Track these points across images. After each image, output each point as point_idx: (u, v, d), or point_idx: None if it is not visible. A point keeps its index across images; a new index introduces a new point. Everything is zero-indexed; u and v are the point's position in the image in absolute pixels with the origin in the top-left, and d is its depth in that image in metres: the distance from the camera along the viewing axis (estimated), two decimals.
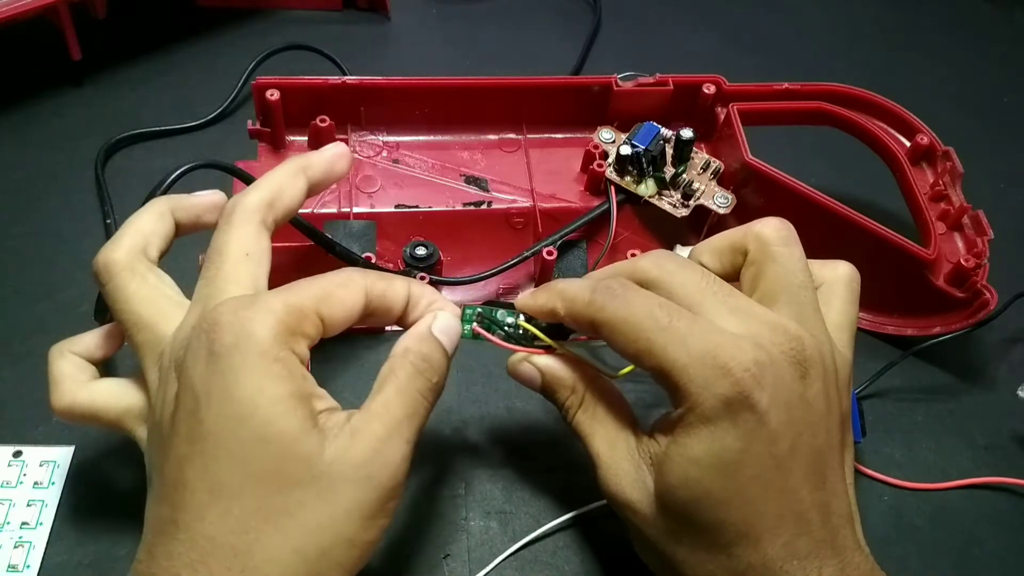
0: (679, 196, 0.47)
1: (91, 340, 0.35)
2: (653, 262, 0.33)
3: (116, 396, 0.33)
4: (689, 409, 0.30)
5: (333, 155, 0.36)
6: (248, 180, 0.38)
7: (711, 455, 0.29)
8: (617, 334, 0.31)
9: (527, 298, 0.35)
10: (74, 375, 0.34)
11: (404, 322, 0.34)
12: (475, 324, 0.35)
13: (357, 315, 0.31)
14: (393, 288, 0.33)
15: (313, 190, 0.35)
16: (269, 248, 0.33)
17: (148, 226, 0.34)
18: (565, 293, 0.33)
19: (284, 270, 0.35)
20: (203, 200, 0.35)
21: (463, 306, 0.35)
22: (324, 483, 0.28)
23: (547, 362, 0.35)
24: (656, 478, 0.31)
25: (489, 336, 0.35)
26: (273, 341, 0.28)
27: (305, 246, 0.43)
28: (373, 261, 0.43)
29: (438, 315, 0.33)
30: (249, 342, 0.28)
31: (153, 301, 0.32)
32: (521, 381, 0.36)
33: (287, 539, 0.27)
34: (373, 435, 0.29)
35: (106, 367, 0.36)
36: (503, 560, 0.38)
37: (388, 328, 0.46)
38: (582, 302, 0.32)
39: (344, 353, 0.44)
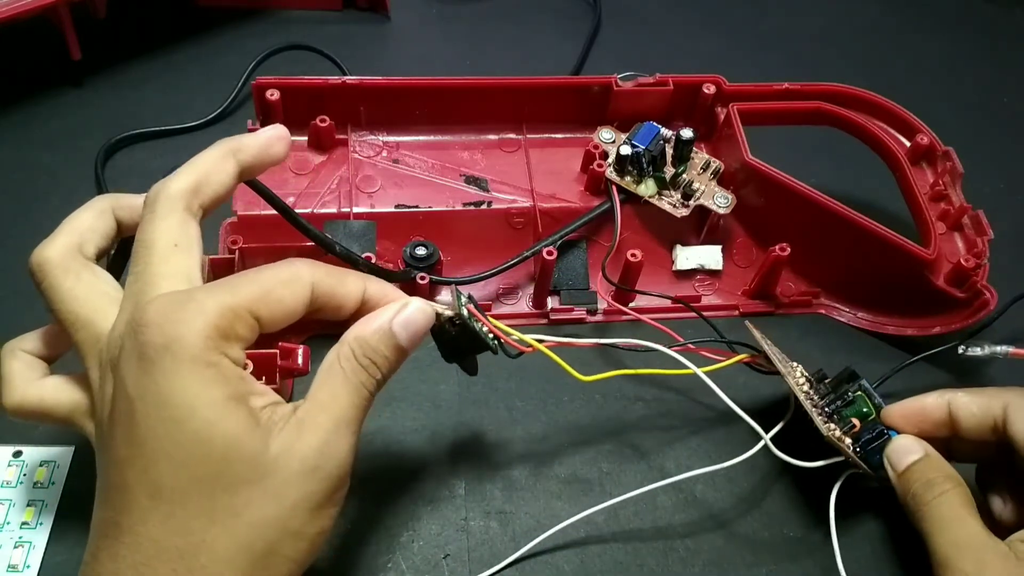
0: (679, 196, 0.47)
1: (41, 338, 0.35)
2: None
3: (64, 393, 0.33)
4: None
5: (269, 137, 0.33)
6: (249, 181, 0.38)
7: None
8: None
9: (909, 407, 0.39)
10: (23, 373, 0.33)
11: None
12: (470, 306, 0.34)
13: (300, 313, 0.30)
14: (344, 286, 0.31)
15: (246, 174, 0.33)
16: (199, 236, 0.31)
17: (86, 223, 0.33)
18: (957, 393, 0.38)
19: None
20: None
21: (456, 286, 0.34)
22: (270, 480, 0.28)
23: (927, 448, 0.38)
24: None
25: (482, 318, 0.34)
26: (204, 346, 0.27)
27: (305, 246, 0.43)
28: (373, 261, 0.43)
29: (410, 303, 0.32)
30: (179, 346, 0.27)
31: (88, 299, 0.31)
32: (892, 456, 0.38)
33: (233, 538, 0.27)
34: (320, 427, 0.29)
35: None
36: (503, 560, 0.38)
37: None
38: (988, 395, 0.37)
39: None
